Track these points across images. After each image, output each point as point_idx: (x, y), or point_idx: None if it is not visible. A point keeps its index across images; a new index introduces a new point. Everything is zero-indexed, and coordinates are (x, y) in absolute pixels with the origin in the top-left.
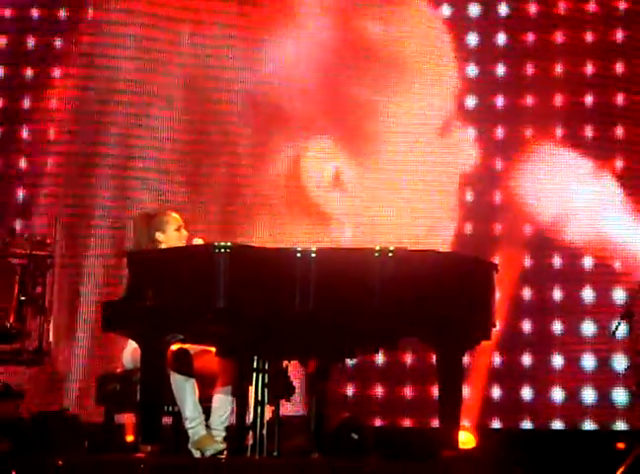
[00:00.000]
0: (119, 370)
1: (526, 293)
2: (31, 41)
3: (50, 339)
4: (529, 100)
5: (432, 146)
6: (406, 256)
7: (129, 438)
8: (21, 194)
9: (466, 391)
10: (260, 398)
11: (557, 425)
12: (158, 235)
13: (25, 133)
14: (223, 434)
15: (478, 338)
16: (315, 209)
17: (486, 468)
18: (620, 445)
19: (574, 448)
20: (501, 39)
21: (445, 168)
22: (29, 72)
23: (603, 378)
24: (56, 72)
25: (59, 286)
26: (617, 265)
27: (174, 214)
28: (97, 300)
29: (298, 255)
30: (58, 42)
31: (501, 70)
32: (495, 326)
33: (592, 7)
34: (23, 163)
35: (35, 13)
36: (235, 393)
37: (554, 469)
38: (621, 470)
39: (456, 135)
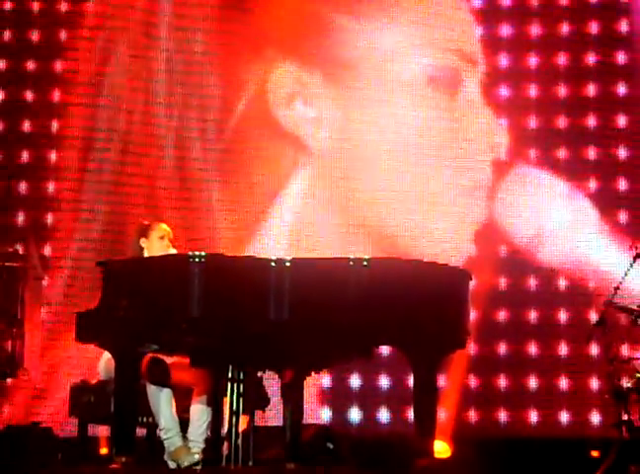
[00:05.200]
0: (93, 382)
1: (502, 314)
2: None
3: (23, 351)
4: (504, 121)
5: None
6: (380, 265)
7: (103, 451)
8: None
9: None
10: (235, 408)
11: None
12: (142, 241)
13: None
14: (202, 445)
15: (452, 346)
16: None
17: None
18: (595, 454)
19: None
20: None
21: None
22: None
23: (577, 403)
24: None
25: (33, 297)
26: (592, 285)
27: (162, 224)
28: (72, 311)
29: (273, 264)
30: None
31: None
32: (469, 334)
33: (565, 29)
34: None
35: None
36: (210, 403)
37: None
38: None
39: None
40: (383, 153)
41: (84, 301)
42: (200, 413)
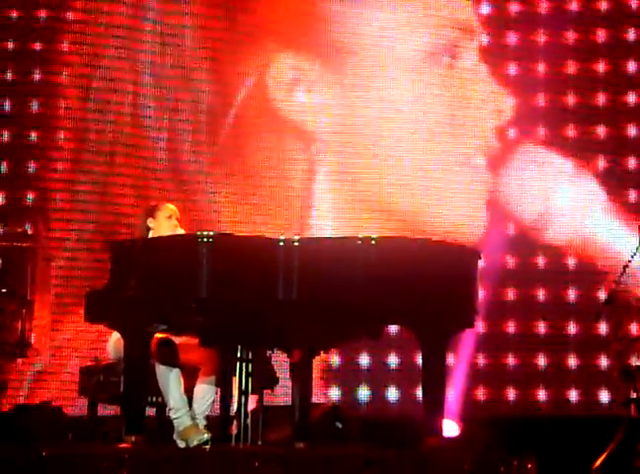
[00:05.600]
0: (102, 362)
1: (510, 293)
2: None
3: (32, 331)
4: (512, 98)
5: None
6: (388, 244)
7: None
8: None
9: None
10: (244, 388)
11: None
12: (150, 221)
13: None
14: (204, 422)
15: (461, 325)
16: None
17: (469, 455)
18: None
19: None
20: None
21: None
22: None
23: (586, 381)
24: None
25: (42, 278)
26: (600, 264)
27: (169, 204)
28: (81, 291)
29: (281, 244)
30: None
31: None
32: (478, 313)
33: (574, 6)
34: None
35: None
36: (219, 383)
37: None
38: (603, 457)
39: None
40: (388, 133)
41: (92, 281)
42: (204, 391)
